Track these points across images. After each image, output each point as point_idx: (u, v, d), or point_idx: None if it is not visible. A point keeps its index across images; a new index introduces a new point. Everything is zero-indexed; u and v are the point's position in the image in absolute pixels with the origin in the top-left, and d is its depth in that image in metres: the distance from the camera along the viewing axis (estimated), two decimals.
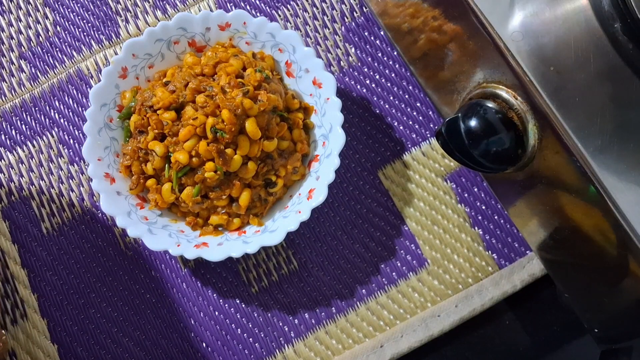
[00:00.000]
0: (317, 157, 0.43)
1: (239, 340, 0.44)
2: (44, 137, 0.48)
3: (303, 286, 0.45)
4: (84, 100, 0.49)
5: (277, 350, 0.44)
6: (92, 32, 0.50)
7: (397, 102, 0.47)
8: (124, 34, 0.50)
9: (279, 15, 0.49)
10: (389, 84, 0.48)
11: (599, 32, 0.30)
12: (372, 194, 0.46)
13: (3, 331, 0.43)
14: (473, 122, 0.33)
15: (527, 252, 0.44)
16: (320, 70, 0.43)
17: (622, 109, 0.30)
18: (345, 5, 0.49)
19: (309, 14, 0.49)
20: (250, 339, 0.44)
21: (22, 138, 0.48)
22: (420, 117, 0.47)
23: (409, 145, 0.47)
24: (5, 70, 0.50)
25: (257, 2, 0.50)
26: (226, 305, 0.45)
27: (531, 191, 0.36)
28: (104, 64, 0.49)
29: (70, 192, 0.47)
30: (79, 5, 0.51)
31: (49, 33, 0.50)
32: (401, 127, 0.47)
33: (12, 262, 0.46)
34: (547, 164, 0.32)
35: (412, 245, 0.45)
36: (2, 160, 0.48)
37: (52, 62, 0.50)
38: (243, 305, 0.44)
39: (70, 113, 0.48)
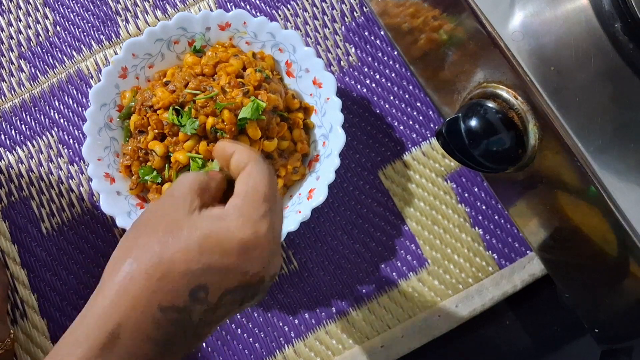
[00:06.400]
0: (317, 157, 0.43)
1: (239, 340, 0.44)
2: (44, 137, 0.48)
3: (303, 286, 0.45)
4: (84, 100, 0.49)
5: (277, 350, 0.44)
6: (92, 32, 0.50)
7: (397, 102, 0.47)
8: (124, 33, 0.50)
9: (279, 15, 0.49)
10: (389, 84, 0.48)
11: (600, 32, 0.30)
12: (372, 194, 0.46)
13: (11, 330, 0.43)
14: (473, 122, 0.33)
15: (528, 252, 0.44)
16: (321, 70, 0.43)
17: (622, 109, 0.30)
18: (346, 5, 0.49)
19: (309, 13, 0.49)
20: (250, 339, 0.44)
21: (22, 138, 0.48)
22: (421, 117, 0.47)
23: (409, 145, 0.47)
24: (5, 70, 0.50)
25: (257, 1, 0.50)
26: None
27: (531, 191, 0.36)
28: (104, 64, 0.49)
29: (70, 192, 0.47)
30: (79, 5, 0.50)
31: (49, 33, 0.50)
32: (401, 127, 0.47)
33: (12, 262, 0.46)
34: (548, 164, 0.32)
35: (413, 245, 0.45)
36: (2, 160, 0.48)
37: (52, 62, 0.50)
38: None
39: (70, 113, 0.48)
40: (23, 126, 0.48)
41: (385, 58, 0.48)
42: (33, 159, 0.48)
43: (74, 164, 0.48)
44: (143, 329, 0.24)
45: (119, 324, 0.24)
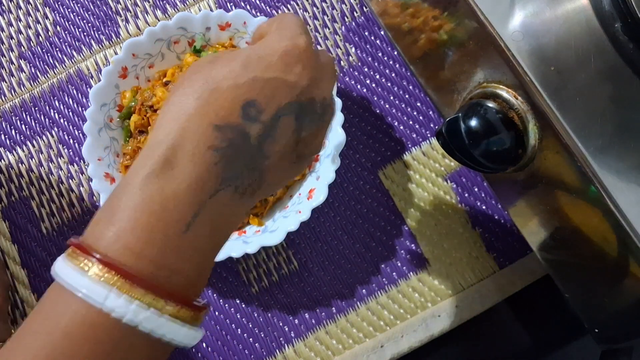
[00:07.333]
0: (317, 157, 0.43)
1: (239, 340, 0.44)
2: (44, 137, 0.48)
3: (303, 286, 0.45)
4: (84, 100, 0.49)
5: (277, 350, 0.44)
6: (92, 32, 0.50)
7: (397, 101, 0.47)
8: (124, 33, 0.50)
9: None
10: (389, 84, 0.48)
11: (600, 32, 0.30)
12: (372, 194, 0.46)
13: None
14: (473, 122, 0.33)
15: (528, 252, 0.44)
16: None
17: (622, 109, 0.30)
18: (346, 5, 0.49)
19: (309, 13, 0.49)
20: (250, 339, 0.44)
21: (22, 138, 0.48)
22: (421, 117, 0.47)
23: (410, 145, 0.47)
24: (5, 70, 0.50)
25: (257, 1, 0.50)
26: (226, 305, 0.44)
27: (531, 191, 0.36)
28: (104, 64, 0.49)
29: (70, 192, 0.47)
30: (79, 5, 0.50)
31: (49, 33, 0.50)
32: (401, 127, 0.47)
33: (12, 262, 0.46)
34: (548, 164, 0.32)
35: (413, 245, 0.45)
36: (2, 161, 0.48)
37: (52, 62, 0.50)
38: (243, 305, 0.44)
39: (70, 113, 0.48)
40: (23, 126, 0.48)
41: (385, 58, 0.48)
42: (33, 159, 0.48)
43: (74, 164, 0.48)
44: (200, 150, 0.24)
45: (173, 147, 0.24)
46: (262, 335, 0.44)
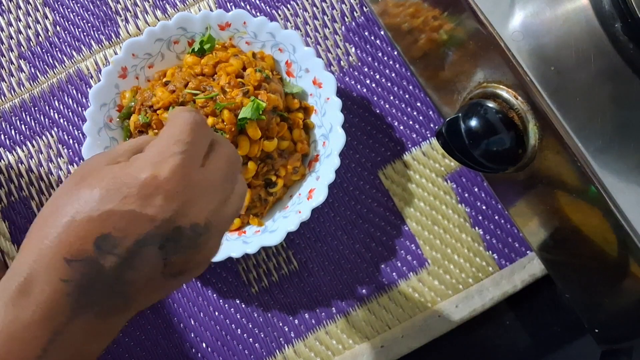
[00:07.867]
0: (317, 157, 0.43)
1: (239, 340, 0.44)
2: (44, 137, 0.48)
3: (303, 286, 0.45)
4: (84, 100, 0.49)
5: (277, 351, 0.44)
6: (92, 32, 0.50)
7: (397, 101, 0.47)
8: (123, 33, 0.50)
9: (279, 15, 0.49)
10: (389, 84, 0.48)
11: (600, 32, 0.30)
12: (372, 194, 0.46)
13: None
14: (473, 122, 0.33)
15: (528, 252, 0.44)
16: (321, 70, 0.43)
17: (622, 109, 0.30)
18: (346, 5, 0.49)
19: (309, 13, 0.49)
20: (250, 339, 0.44)
21: (22, 138, 0.48)
22: (421, 117, 0.47)
23: (409, 145, 0.47)
24: (5, 70, 0.50)
25: (257, 1, 0.50)
26: (226, 305, 0.44)
27: (532, 191, 0.36)
28: (103, 64, 0.49)
29: None
30: (78, 5, 0.50)
31: (49, 33, 0.50)
32: (401, 127, 0.47)
33: (12, 262, 0.46)
34: (548, 164, 0.32)
35: (413, 245, 0.45)
36: (2, 161, 0.48)
37: (51, 62, 0.49)
38: (243, 306, 0.44)
39: (70, 113, 0.48)
40: (23, 126, 0.48)
41: (385, 58, 0.48)
42: (33, 159, 0.48)
43: (74, 164, 0.48)
44: (52, 281, 0.25)
45: (29, 277, 0.25)
46: (262, 335, 0.44)
